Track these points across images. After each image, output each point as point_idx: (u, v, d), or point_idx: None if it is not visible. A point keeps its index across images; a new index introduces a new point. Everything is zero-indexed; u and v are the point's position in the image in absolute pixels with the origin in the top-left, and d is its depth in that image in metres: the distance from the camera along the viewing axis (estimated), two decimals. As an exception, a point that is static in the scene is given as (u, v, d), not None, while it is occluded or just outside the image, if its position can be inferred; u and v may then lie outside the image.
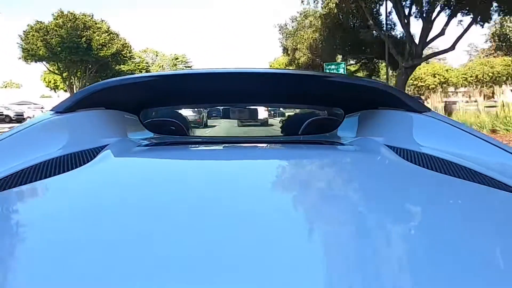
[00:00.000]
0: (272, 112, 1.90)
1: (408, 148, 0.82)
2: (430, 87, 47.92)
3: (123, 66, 35.65)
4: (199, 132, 1.71)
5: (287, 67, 31.70)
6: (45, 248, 0.36)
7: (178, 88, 1.21)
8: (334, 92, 1.19)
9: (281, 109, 1.86)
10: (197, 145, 1.11)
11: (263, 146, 1.05)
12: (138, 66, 32.90)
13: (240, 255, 0.34)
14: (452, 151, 0.78)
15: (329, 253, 0.35)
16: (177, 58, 29.96)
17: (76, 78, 35.57)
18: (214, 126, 1.82)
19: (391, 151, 0.76)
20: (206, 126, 1.85)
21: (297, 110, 1.67)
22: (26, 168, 0.64)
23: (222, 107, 1.66)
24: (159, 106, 1.39)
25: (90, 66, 35.08)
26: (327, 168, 0.73)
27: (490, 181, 0.61)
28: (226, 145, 1.12)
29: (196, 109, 1.85)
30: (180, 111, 1.58)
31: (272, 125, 1.79)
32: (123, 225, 0.42)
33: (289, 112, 1.79)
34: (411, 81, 47.32)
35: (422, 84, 47.63)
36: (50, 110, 0.96)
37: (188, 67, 30.83)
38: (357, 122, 1.17)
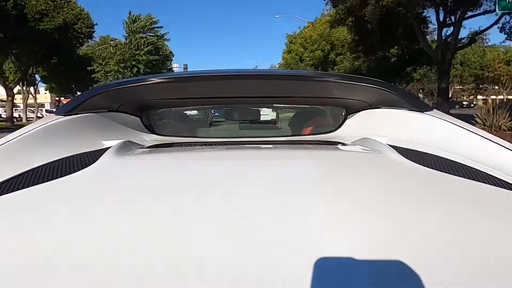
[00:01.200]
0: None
1: (411, 147, 0.85)
2: (501, 79, 35.70)
3: (87, 48, 23.09)
4: (205, 129, 1.90)
5: (329, 33, 19.89)
6: (53, 247, 0.38)
7: (179, 90, 1.20)
8: (336, 91, 1.18)
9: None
10: (200, 146, 1.09)
11: (267, 147, 1.06)
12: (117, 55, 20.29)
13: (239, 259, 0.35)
14: (455, 150, 0.80)
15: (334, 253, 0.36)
16: (134, 21, 17.86)
17: (20, 64, 23.97)
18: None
19: (394, 151, 0.76)
20: (210, 125, 2.24)
21: (300, 110, 1.72)
22: (24, 172, 0.66)
23: (224, 109, 1.75)
24: (161, 108, 1.41)
25: (36, 48, 23.49)
26: (331, 169, 0.74)
27: (493, 179, 0.64)
28: (231, 146, 1.12)
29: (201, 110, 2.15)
30: (184, 112, 1.72)
31: (280, 128, 1.94)
32: (123, 226, 0.43)
33: (291, 113, 1.89)
34: (475, 71, 35.14)
35: (491, 74, 35.19)
36: (53, 113, 0.97)
37: (159, 37, 18.52)
38: (359, 121, 1.18)
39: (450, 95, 40.76)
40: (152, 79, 1.07)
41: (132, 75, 18.07)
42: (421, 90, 40.15)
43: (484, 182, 0.62)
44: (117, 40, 19.05)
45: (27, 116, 31.48)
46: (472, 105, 33.53)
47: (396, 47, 15.06)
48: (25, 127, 0.85)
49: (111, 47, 18.91)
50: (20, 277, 0.33)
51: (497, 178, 0.65)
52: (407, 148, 0.85)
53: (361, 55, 17.40)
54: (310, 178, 0.66)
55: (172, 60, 43.36)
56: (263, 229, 0.41)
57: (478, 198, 0.56)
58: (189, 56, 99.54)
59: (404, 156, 0.73)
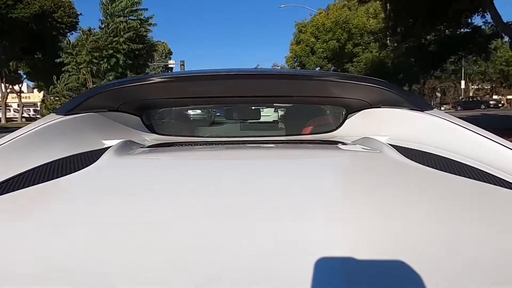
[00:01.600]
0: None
1: (412, 147, 0.86)
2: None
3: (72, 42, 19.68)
4: (206, 129, 1.83)
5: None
6: (58, 245, 0.38)
7: (180, 89, 1.20)
8: (336, 91, 1.18)
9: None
10: (201, 146, 1.07)
11: (267, 147, 1.05)
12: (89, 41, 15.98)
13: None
14: (455, 149, 0.80)
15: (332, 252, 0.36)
16: (112, 1, 14.64)
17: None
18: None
19: (395, 150, 0.76)
20: (211, 124, 2.25)
21: (300, 110, 1.68)
22: (24, 172, 0.66)
23: (224, 108, 1.75)
24: (161, 108, 1.42)
25: (13, 40, 20.34)
26: (331, 168, 0.74)
27: (494, 179, 0.64)
28: (231, 146, 1.11)
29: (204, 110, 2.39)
30: (184, 111, 1.71)
31: (281, 128, 1.81)
32: (124, 225, 0.42)
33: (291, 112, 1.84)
34: (501, 67, 31.61)
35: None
36: (54, 113, 0.97)
37: (143, 20, 15.29)
38: (360, 120, 1.17)
39: (471, 94, 37.47)
40: (152, 78, 1.11)
41: (109, 67, 14.73)
42: (438, 89, 36.88)
43: (485, 182, 0.62)
44: (90, 27, 15.63)
45: (8, 117, 28.67)
46: (499, 105, 29.99)
47: (434, 33, 11.74)
48: (25, 126, 0.85)
49: (81, 30, 15.47)
50: (19, 276, 0.34)
51: (497, 177, 0.65)
52: (407, 148, 0.85)
53: (387, 44, 14.08)
54: (311, 178, 0.65)
55: (170, 58, 40.43)
56: (264, 227, 0.41)
57: (479, 197, 0.56)
58: (188, 53, 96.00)
59: (405, 156, 0.73)
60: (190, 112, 1.93)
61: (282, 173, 0.67)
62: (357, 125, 1.16)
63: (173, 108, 1.48)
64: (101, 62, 14.35)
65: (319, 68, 20.98)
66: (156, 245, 0.37)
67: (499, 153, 0.73)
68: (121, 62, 14.76)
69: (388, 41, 13.95)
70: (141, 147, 0.94)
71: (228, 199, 0.49)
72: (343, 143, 1.05)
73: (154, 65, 27.83)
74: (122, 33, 14.54)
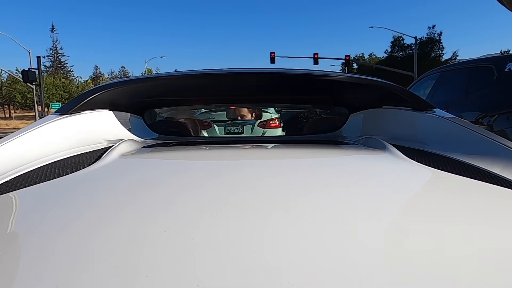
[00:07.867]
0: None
1: (413, 146, 0.86)
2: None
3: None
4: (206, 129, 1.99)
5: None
6: (63, 243, 0.39)
7: (181, 89, 1.21)
8: (338, 91, 1.20)
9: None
10: (202, 146, 1.07)
11: (270, 146, 1.04)
12: None
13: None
14: (457, 149, 0.80)
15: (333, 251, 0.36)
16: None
17: None
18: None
19: (396, 150, 0.77)
20: (214, 123, 2.50)
21: (302, 110, 1.73)
22: (33, 169, 0.67)
23: (226, 108, 1.92)
24: (163, 107, 1.45)
25: None
26: (333, 168, 0.74)
27: (496, 178, 0.64)
28: (235, 145, 1.10)
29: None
30: (187, 110, 1.75)
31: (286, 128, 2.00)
32: (127, 225, 0.42)
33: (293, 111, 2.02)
34: None
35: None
36: (55, 112, 0.96)
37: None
38: (362, 121, 1.20)
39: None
40: (154, 77, 1.14)
41: None
42: None
43: (487, 181, 0.62)
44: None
45: None
46: None
47: None
48: (26, 126, 0.85)
49: None
50: (24, 274, 0.33)
51: (500, 176, 0.64)
52: (409, 147, 0.85)
53: None
54: (313, 177, 0.64)
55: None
56: (268, 226, 0.41)
57: (481, 197, 0.56)
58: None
59: (407, 155, 0.73)
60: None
61: (284, 173, 0.66)
62: (360, 125, 1.18)
63: (174, 107, 1.49)
64: None
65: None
66: (157, 244, 0.37)
67: (501, 152, 0.74)
68: None
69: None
70: (142, 147, 0.94)
71: (231, 199, 0.50)
72: (346, 143, 1.05)
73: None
74: None
